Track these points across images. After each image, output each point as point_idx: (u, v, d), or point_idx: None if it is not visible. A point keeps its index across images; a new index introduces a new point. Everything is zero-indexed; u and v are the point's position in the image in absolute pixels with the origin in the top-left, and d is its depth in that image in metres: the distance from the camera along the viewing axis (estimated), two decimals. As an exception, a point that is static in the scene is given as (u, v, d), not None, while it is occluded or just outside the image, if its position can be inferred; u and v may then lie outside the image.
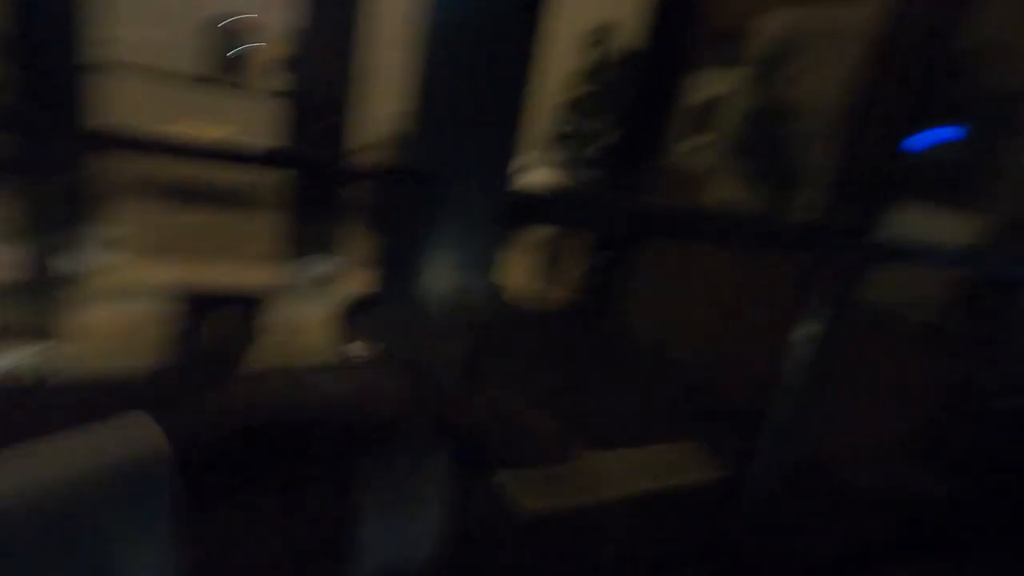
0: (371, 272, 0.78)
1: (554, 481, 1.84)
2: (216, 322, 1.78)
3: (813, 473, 2.11)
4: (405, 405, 0.40)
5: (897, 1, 1.15)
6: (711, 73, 2.84)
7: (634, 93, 3.23)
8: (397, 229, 0.71)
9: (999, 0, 1.82)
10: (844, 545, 1.74)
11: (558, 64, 3.93)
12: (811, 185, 2.37)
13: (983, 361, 1.62)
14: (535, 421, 0.54)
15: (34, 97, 1.67)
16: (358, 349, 2.22)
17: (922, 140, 1.97)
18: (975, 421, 1.65)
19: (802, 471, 2.10)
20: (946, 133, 1.95)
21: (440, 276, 0.75)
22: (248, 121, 3.79)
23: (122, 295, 2.17)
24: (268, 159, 1.75)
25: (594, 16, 3.48)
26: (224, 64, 4.93)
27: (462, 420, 0.46)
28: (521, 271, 4.19)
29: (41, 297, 1.85)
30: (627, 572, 1.57)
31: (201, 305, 1.78)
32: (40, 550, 0.25)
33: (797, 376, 1.29)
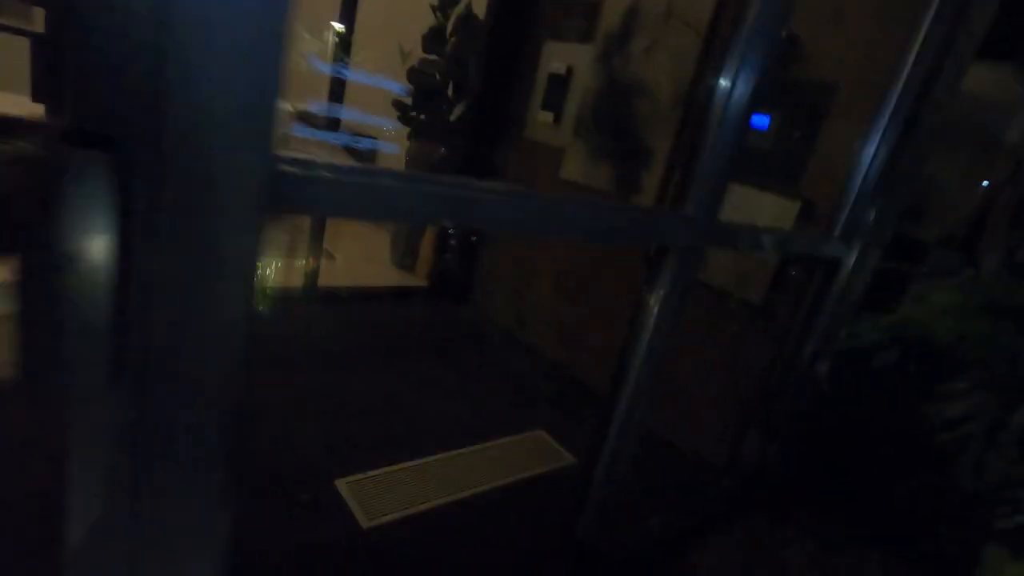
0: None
1: (397, 488, 1.67)
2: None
3: (656, 447, 2.18)
4: None
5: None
6: (564, 47, 2.77)
7: (480, 62, 3.07)
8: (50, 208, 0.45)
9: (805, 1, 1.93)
10: (682, 517, 1.79)
11: (398, 28, 3.62)
12: (657, 164, 2.41)
13: (799, 335, 1.75)
14: None
15: None
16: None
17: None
18: (792, 389, 1.78)
19: (646, 446, 2.18)
20: (763, 120, 2.06)
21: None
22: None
23: None
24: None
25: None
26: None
27: None
28: (373, 252, 3.88)
29: None
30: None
31: None
32: None
33: (640, 353, 1.24)
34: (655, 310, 1.21)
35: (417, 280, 3.53)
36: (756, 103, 1.14)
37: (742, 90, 1.12)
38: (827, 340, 1.71)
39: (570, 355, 2.72)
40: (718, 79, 1.12)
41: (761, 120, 2.04)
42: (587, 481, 1.34)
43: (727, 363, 2.05)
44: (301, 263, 2.89)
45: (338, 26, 2.79)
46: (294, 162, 0.59)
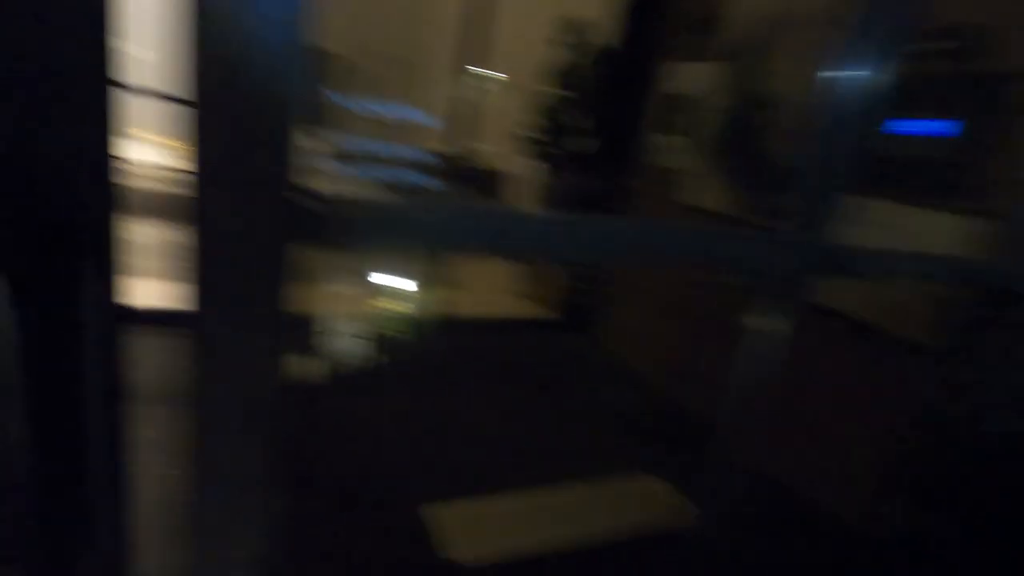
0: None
1: (490, 523, 1.64)
2: None
3: (777, 498, 1.87)
4: None
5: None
6: (685, 68, 2.65)
7: (610, 93, 3.05)
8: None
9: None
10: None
11: (523, 62, 3.75)
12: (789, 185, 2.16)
13: (970, 382, 1.40)
14: None
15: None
16: None
17: (910, 133, 1.76)
18: (956, 447, 1.42)
19: (765, 495, 1.87)
20: (937, 127, 1.73)
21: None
22: None
23: None
24: None
25: (562, 11, 3.29)
26: None
27: None
28: (500, 282, 4.01)
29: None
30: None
31: None
32: None
33: (745, 385, 1.11)
34: (753, 347, 1.07)
35: (546, 311, 3.56)
36: (887, 98, 0.97)
37: (858, 81, 0.96)
38: (1011, 390, 1.35)
39: (697, 395, 2.50)
40: (827, 69, 0.98)
41: (934, 126, 1.72)
42: (702, 525, 1.21)
43: (878, 410, 1.71)
44: (427, 293, 3.08)
45: (490, 73, 2.99)
46: (317, 198, 0.63)
